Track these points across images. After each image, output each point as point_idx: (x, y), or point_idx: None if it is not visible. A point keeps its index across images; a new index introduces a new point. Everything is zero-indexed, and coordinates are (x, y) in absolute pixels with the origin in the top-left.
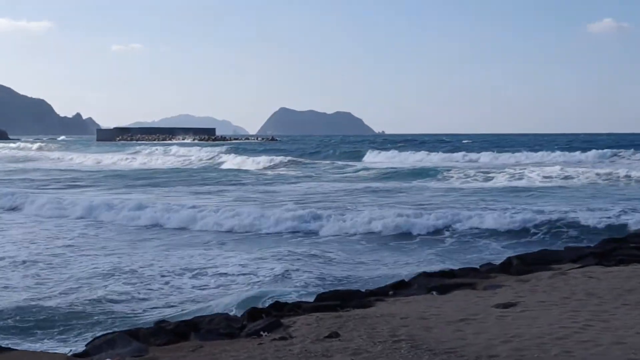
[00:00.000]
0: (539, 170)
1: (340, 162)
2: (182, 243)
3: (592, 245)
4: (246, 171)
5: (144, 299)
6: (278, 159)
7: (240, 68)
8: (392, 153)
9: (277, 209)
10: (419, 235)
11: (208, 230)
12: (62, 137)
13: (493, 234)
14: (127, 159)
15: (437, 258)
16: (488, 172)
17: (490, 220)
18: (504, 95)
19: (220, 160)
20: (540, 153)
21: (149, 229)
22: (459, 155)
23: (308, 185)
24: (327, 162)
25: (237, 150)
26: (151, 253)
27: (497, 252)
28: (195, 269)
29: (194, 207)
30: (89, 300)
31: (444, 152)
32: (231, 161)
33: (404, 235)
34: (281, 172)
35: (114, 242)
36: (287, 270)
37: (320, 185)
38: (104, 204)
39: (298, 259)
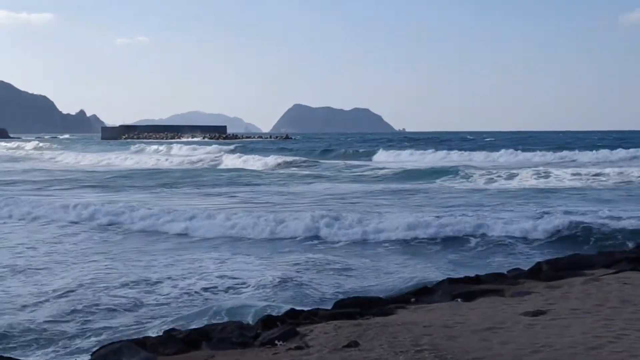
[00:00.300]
0: (566, 169)
1: (354, 162)
2: (192, 247)
3: (626, 249)
4: (254, 171)
5: (152, 305)
6: (287, 158)
7: (253, 63)
8: (409, 151)
9: (296, 213)
10: (443, 238)
11: (220, 237)
12: (66, 136)
13: (521, 237)
14: (129, 158)
15: (461, 263)
16: (511, 170)
17: (519, 223)
18: (530, 91)
19: (224, 159)
20: (565, 152)
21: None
22: (481, 154)
23: (324, 186)
24: (339, 161)
25: (246, 149)
26: (161, 259)
27: (526, 256)
28: (203, 274)
29: (227, 218)
30: (94, 305)
31: (465, 149)
32: (234, 160)
33: (430, 239)
34: (291, 172)
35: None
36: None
37: (334, 186)
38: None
39: (314, 266)
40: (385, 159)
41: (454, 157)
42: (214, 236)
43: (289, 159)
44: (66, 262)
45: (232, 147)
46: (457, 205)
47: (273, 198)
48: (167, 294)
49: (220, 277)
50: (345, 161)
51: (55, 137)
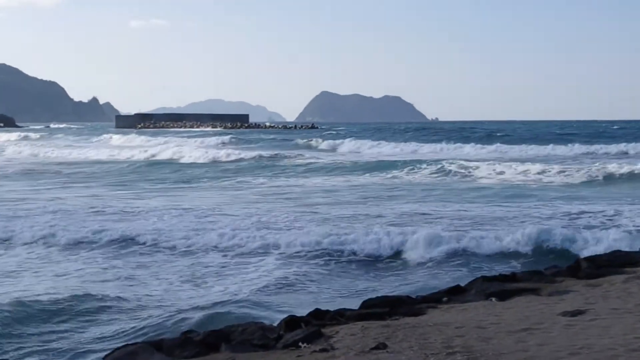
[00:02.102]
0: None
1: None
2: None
3: None
4: (191, 164)
5: (169, 305)
6: (245, 153)
7: (277, 47)
8: (375, 143)
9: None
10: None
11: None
12: (76, 125)
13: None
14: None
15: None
16: (475, 163)
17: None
18: (570, 82)
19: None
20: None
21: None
22: (467, 147)
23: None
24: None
25: (240, 141)
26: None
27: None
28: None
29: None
30: (108, 305)
31: (466, 142)
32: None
33: None
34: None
35: None
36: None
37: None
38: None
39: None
40: (348, 149)
41: (426, 150)
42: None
43: (247, 154)
44: None
45: (227, 137)
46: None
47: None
48: None
49: None
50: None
51: (67, 127)
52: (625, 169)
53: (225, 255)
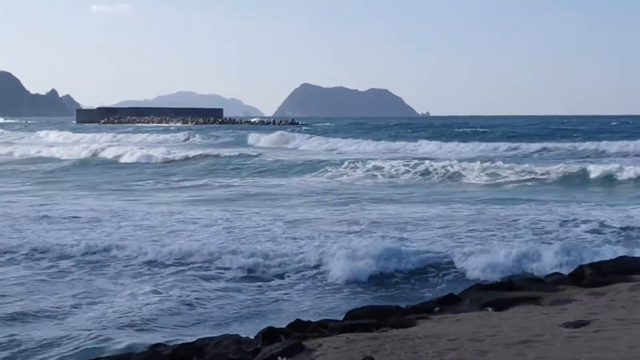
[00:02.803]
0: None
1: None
2: None
3: None
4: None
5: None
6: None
7: (254, 36)
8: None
9: None
10: None
11: None
12: (31, 120)
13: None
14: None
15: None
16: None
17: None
18: (573, 79)
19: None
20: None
21: None
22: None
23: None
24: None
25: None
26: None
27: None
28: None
29: None
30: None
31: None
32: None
33: None
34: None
35: None
36: None
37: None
38: None
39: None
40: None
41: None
42: None
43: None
44: None
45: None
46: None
47: None
48: None
49: None
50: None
51: (15, 122)
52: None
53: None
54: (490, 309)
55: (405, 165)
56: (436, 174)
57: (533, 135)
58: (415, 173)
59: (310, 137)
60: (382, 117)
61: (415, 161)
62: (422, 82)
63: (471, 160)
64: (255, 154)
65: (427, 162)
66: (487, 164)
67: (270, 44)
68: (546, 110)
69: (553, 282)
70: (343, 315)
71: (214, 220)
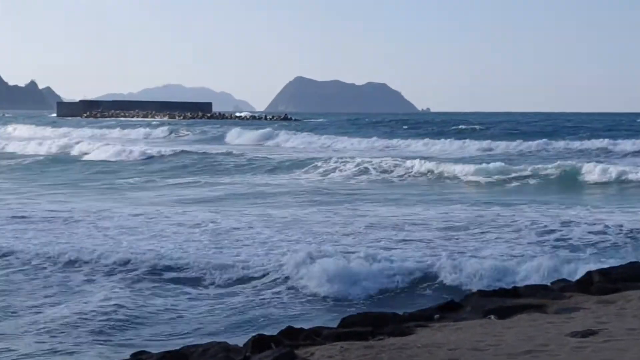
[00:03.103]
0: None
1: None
2: None
3: None
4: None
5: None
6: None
7: (245, 26)
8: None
9: None
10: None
11: None
12: (8, 113)
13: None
14: None
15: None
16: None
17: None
18: (575, 74)
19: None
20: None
21: None
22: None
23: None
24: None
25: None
26: None
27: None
28: None
29: None
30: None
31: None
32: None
33: None
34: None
35: None
36: None
37: None
38: None
39: None
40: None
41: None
42: None
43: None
44: None
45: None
46: None
47: None
48: None
49: None
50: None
51: None
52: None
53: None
54: (493, 316)
55: (386, 164)
56: (408, 175)
57: (536, 133)
58: (383, 172)
59: (295, 134)
60: (379, 113)
61: (398, 160)
62: (422, 75)
63: (458, 160)
64: (227, 152)
65: (408, 162)
66: (471, 166)
67: (263, 35)
68: (554, 106)
69: (559, 289)
70: (337, 322)
71: (190, 221)
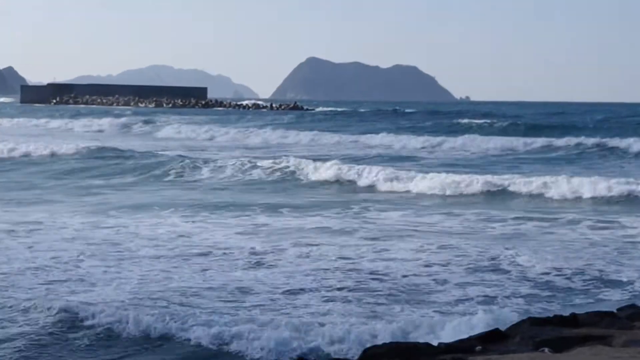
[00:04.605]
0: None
1: None
2: None
3: None
4: None
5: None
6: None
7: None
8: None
9: None
10: None
11: None
12: None
13: None
14: None
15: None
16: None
17: None
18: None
19: None
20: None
21: None
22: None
23: None
24: None
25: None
26: None
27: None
28: None
29: None
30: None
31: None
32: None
33: None
34: None
35: None
36: None
37: None
38: None
39: None
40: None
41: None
42: None
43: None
44: None
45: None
46: None
47: None
48: None
49: None
50: None
51: None
52: None
53: None
54: (546, 349)
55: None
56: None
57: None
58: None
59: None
60: (408, 102)
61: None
62: (461, 59)
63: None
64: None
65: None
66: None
67: (268, 9)
68: (610, 97)
69: (627, 317)
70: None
71: None
